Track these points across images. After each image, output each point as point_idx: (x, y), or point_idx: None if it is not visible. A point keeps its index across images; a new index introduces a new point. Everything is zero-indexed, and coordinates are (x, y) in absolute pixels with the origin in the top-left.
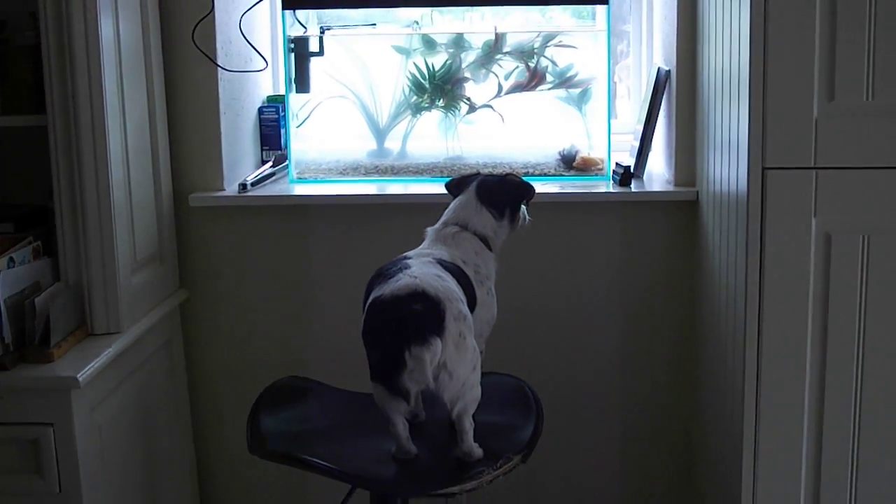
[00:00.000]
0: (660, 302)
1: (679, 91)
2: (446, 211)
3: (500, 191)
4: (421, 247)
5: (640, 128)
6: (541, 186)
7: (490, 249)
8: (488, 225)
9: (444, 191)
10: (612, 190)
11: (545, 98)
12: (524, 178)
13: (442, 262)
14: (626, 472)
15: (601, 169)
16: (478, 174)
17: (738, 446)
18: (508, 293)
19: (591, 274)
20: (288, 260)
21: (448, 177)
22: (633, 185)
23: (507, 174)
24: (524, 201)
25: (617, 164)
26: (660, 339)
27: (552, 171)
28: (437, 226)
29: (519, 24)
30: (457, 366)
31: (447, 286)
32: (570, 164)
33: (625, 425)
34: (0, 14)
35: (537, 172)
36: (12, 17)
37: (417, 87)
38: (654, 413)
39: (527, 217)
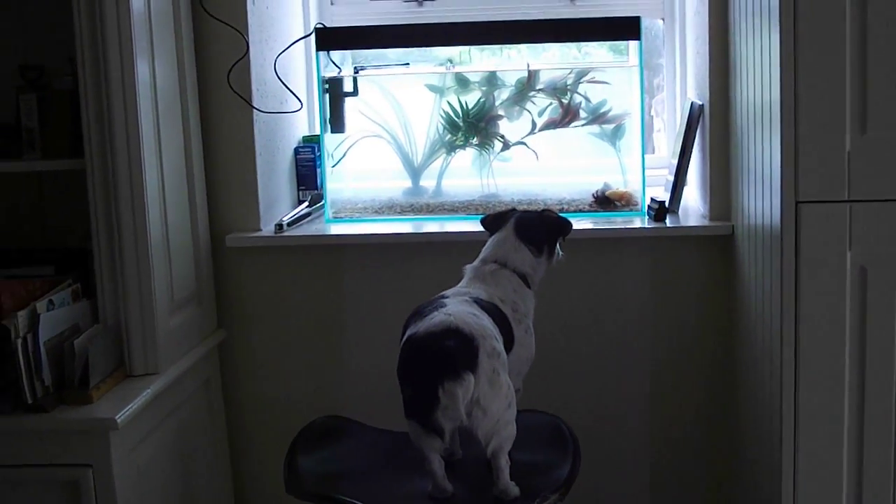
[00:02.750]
0: (695, 338)
1: (713, 125)
2: (484, 248)
3: (539, 227)
4: (459, 285)
5: (675, 162)
6: (576, 223)
7: (528, 286)
8: (527, 262)
9: (481, 228)
10: (646, 225)
11: (579, 134)
12: (560, 214)
13: (479, 301)
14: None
15: (632, 203)
16: (514, 210)
17: (776, 488)
18: (544, 330)
19: (626, 310)
20: (324, 299)
21: (483, 214)
22: (668, 220)
23: (544, 210)
24: (561, 237)
25: (652, 199)
26: (696, 376)
27: (587, 208)
28: (475, 263)
29: (553, 61)
30: (490, 402)
31: (481, 323)
32: (604, 203)
33: (658, 466)
34: (39, 60)
35: (572, 209)
36: (51, 62)
37: (451, 125)
38: (687, 455)
39: (560, 253)
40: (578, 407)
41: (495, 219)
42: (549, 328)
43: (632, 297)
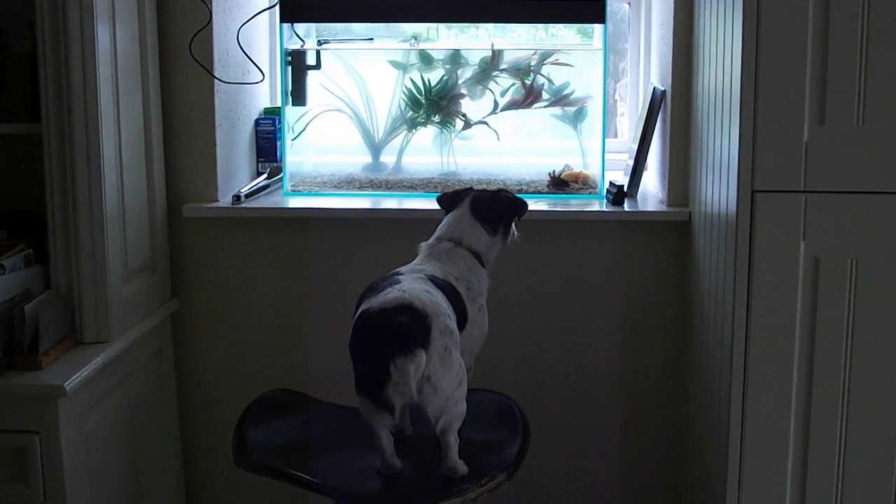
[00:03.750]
0: (651, 320)
1: (674, 111)
2: (440, 226)
3: (494, 207)
4: (414, 262)
5: (635, 147)
6: (534, 204)
7: (483, 266)
8: (482, 241)
9: (438, 206)
10: (605, 209)
11: (541, 116)
12: (517, 195)
13: (433, 279)
14: (620, 483)
15: (588, 184)
16: (471, 189)
17: (723, 467)
18: (500, 310)
19: (583, 292)
20: (280, 272)
21: (442, 192)
22: (626, 205)
23: (500, 190)
24: (517, 217)
25: (611, 182)
26: (651, 357)
27: (546, 189)
28: (430, 241)
29: (519, 42)
30: (441, 380)
31: (435, 301)
32: (560, 185)
33: (616, 444)
34: None
35: (531, 190)
36: (10, 24)
37: (413, 102)
38: (645, 430)
39: (516, 233)
40: (537, 386)
41: (451, 197)
42: (506, 308)
43: (589, 279)
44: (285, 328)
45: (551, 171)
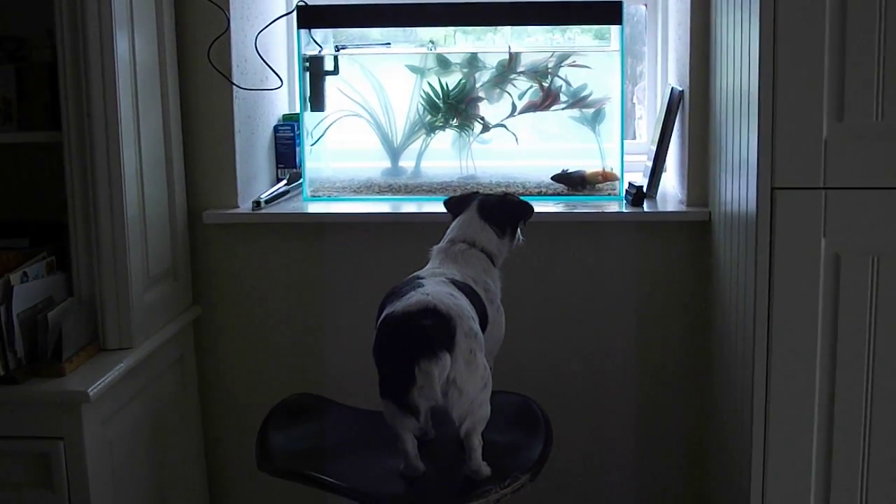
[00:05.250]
0: (672, 322)
1: (692, 111)
2: (450, 229)
3: (502, 209)
4: (430, 266)
5: (654, 148)
6: (553, 206)
7: (494, 265)
8: (493, 241)
9: (445, 210)
10: (624, 210)
11: (559, 118)
12: (522, 198)
13: (454, 282)
14: (639, 486)
15: (610, 178)
16: (477, 193)
17: (746, 469)
18: (519, 312)
19: (602, 293)
20: (301, 278)
21: (449, 196)
22: (645, 206)
23: (506, 194)
24: (523, 221)
25: (630, 183)
26: (671, 359)
27: (565, 191)
28: (443, 244)
29: (536, 44)
30: (466, 382)
31: (459, 304)
32: (576, 185)
33: (635, 446)
34: (19, 31)
35: (550, 192)
36: (30, 33)
37: (431, 106)
38: (665, 432)
39: (521, 237)
40: (557, 388)
41: (458, 201)
42: (525, 310)
43: (609, 280)
44: (306, 333)
45: (563, 170)
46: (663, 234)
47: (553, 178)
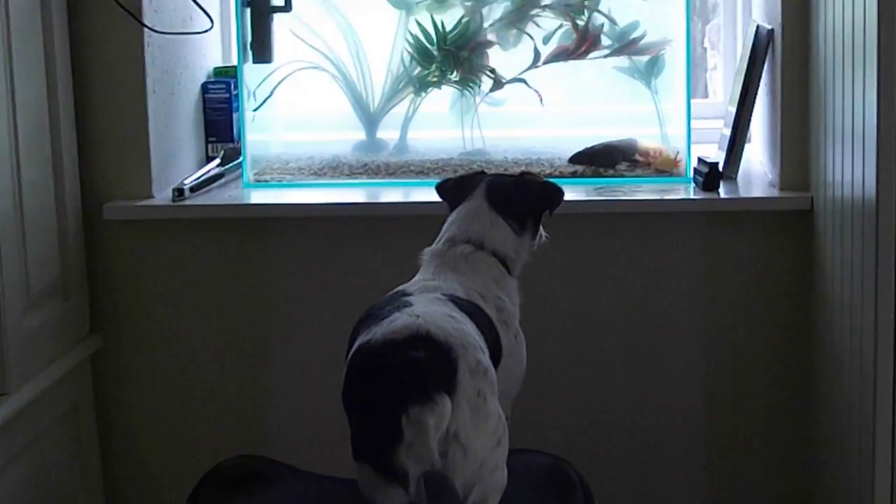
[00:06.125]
0: (756, 346)
1: (786, 59)
2: (448, 224)
3: (519, 196)
4: (421, 277)
5: (733, 110)
6: (595, 191)
7: (510, 273)
8: (509, 241)
9: (440, 197)
10: (692, 196)
11: (600, 70)
12: (547, 179)
13: (456, 300)
14: None
15: (669, 164)
16: (482, 174)
17: None
18: (543, 336)
19: (660, 312)
20: (241, 295)
21: (444, 178)
22: (722, 190)
23: (524, 173)
24: (548, 210)
25: (700, 160)
26: (755, 394)
27: (611, 172)
28: (438, 246)
29: None
30: (473, 438)
31: (462, 329)
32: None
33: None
34: None
35: (590, 173)
36: None
37: (422, 54)
38: (750, 490)
39: (544, 234)
40: (598, 442)
41: (458, 185)
42: (555, 334)
43: (670, 294)
44: (248, 371)
45: (587, 148)
46: (747, 230)
47: (572, 159)
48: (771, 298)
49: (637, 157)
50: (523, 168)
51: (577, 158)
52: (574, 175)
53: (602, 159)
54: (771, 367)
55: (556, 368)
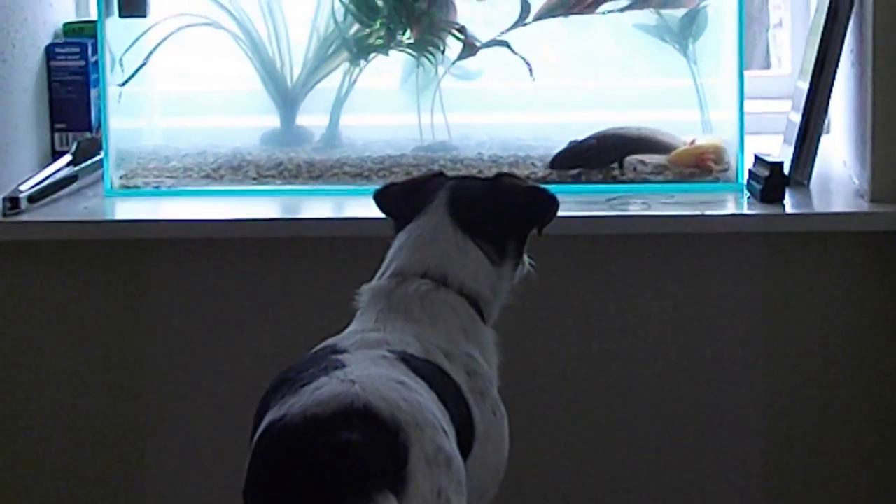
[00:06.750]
0: (839, 410)
1: (878, 21)
2: (395, 249)
3: (495, 207)
4: (358, 326)
5: (805, 86)
6: (606, 203)
7: (483, 320)
8: (481, 274)
9: (381, 211)
10: (746, 211)
11: (615, 28)
12: (534, 184)
13: (408, 360)
14: None
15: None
16: (441, 175)
17: None
18: (545, 407)
19: (707, 367)
20: (100, 347)
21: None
22: (788, 202)
23: (501, 174)
24: (536, 227)
25: (757, 158)
26: (842, 472)
27: (636, 175)
28: (383, 281)
29: None
30: None
31: (415, 400)
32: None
33: None
34: None
35: (605, 177)
36: None
37: (361, 5)
38: None
39: (528, 262)
40: None
41: (408, 193)
42: (561, 398)
43: (720, 341)
44: (113, 452)
45: (572, 142)
46: (824, 257)
47: (553, 161)
48: (857, 347)
49: (659, 154)
50: (504, 169)
51: (560, 160)
52: (577, 179)
53: (597, 159)
54: (860, 437)
55: (555, 453)
